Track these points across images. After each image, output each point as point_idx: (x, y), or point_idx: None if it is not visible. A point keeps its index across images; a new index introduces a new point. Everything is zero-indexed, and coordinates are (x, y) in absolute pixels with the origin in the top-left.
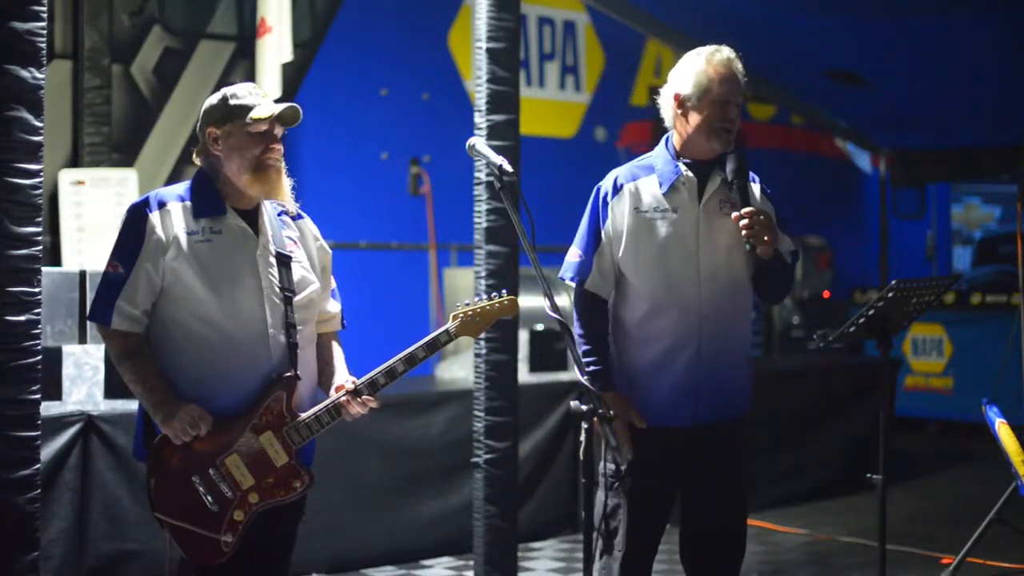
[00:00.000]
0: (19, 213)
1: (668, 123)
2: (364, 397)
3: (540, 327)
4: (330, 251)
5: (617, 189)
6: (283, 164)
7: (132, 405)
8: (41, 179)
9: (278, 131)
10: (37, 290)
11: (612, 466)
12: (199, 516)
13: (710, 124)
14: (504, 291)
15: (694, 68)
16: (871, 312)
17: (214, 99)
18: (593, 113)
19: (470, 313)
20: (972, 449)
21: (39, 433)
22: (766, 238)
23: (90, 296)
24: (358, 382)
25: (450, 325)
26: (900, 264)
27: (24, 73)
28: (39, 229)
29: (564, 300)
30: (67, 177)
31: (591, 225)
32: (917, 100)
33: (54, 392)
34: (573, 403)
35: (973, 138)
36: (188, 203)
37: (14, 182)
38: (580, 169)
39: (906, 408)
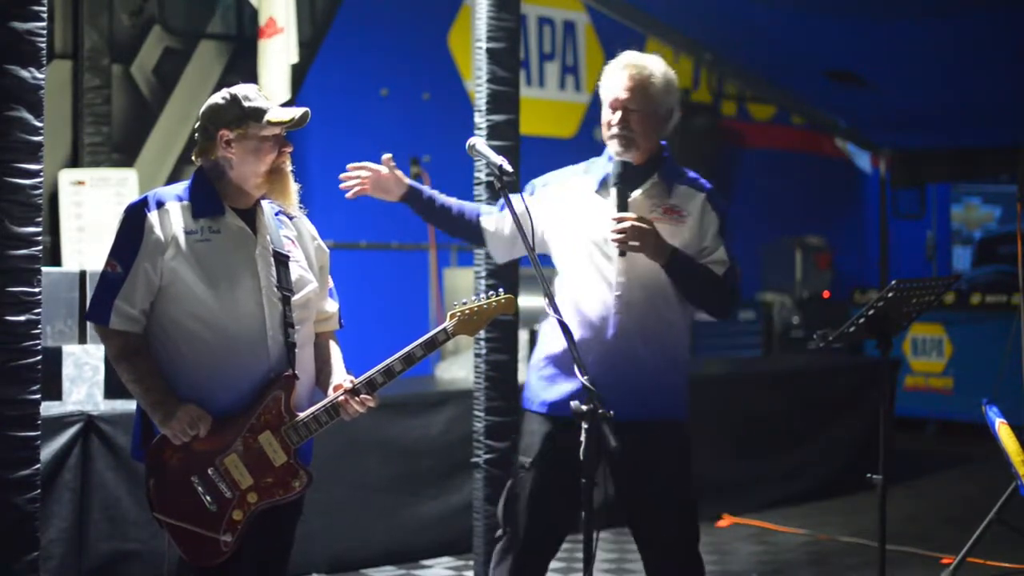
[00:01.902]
0: (19, 213)
1: None
2: (362, 396)
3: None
4: (328, 250)
5: (549, 185)
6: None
7: (132, 405)
8: (41, 179)
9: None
10: (37, 290)
11: (524, 458)
12: (198, 516)
13: (604, 130)
14: (501, 290)
15: (604, 75)
16: (871, 312)
17: (221, 100)
18: (593, 113)
19: (467, 312)
20: (972, 449)
21: (39, 433)
22: (631, 243)
23: (90, 296)
24: (356, 381)
25: (448, 324)
26: (900, 264)
27: (24, 73)
28: (39, 229)
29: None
30: (67, 177)
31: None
32: (917, 100)
33: (54, 392)
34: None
35: (973, 138)
36: (187, 203)
37: (14, 182)
38: None
39: (906, 408)
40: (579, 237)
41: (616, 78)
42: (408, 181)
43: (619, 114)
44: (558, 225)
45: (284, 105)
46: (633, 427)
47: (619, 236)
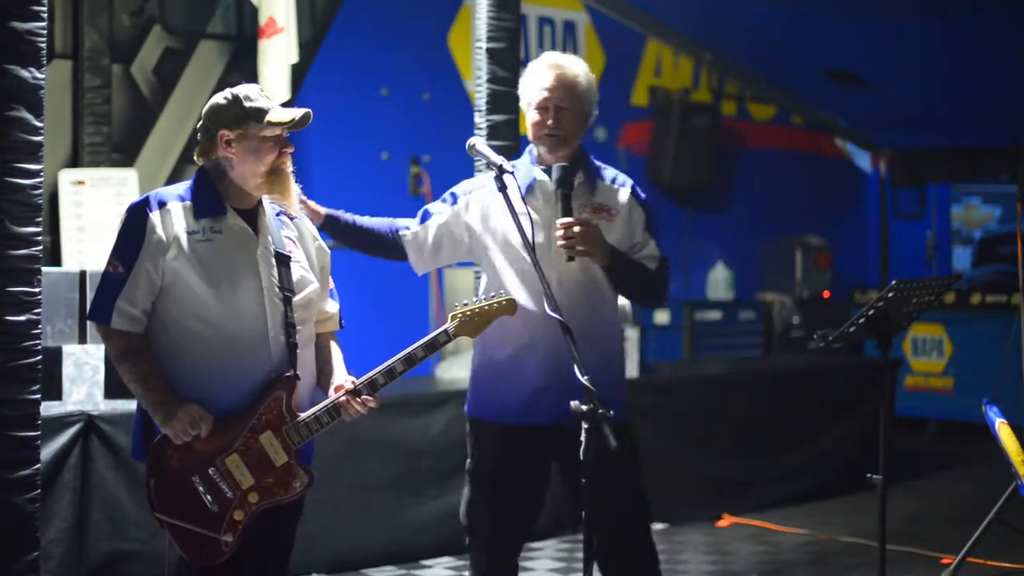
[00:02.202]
0: (19, 213)
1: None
2: (363, 397)
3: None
4: (329, 251)
5: (474, 192)
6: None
7: (132, 405)
8: (41, 179)
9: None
10: (37, 290)
11: (472, 463)
12: (199, 516)
13: (534, 130)
14: (502, 291)
15: (526, 76)
16: (871, 312)
17: (223, 100)
18: None
19: (468, 313)
20: (972, 449)
21: (39, 433)
22: (580, 248)
23: (90, 296)
24: (357, 382)
25: (449, 325)
26: (900, 264)
27: (24, 73)
28: (39, 229)
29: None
30: (67, 177)
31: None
32: (917, 100)
33: (54, 392)
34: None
35: (973, 138)
36: (189, 203)
37: (14, 182)
38: None
39: (906, 408)
40: (510, 244)
41: (544, 78)
42: (325, 211)
43: (551, 113)
44: (487, 233)
45: (284, 105)
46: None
47: (567, 242)
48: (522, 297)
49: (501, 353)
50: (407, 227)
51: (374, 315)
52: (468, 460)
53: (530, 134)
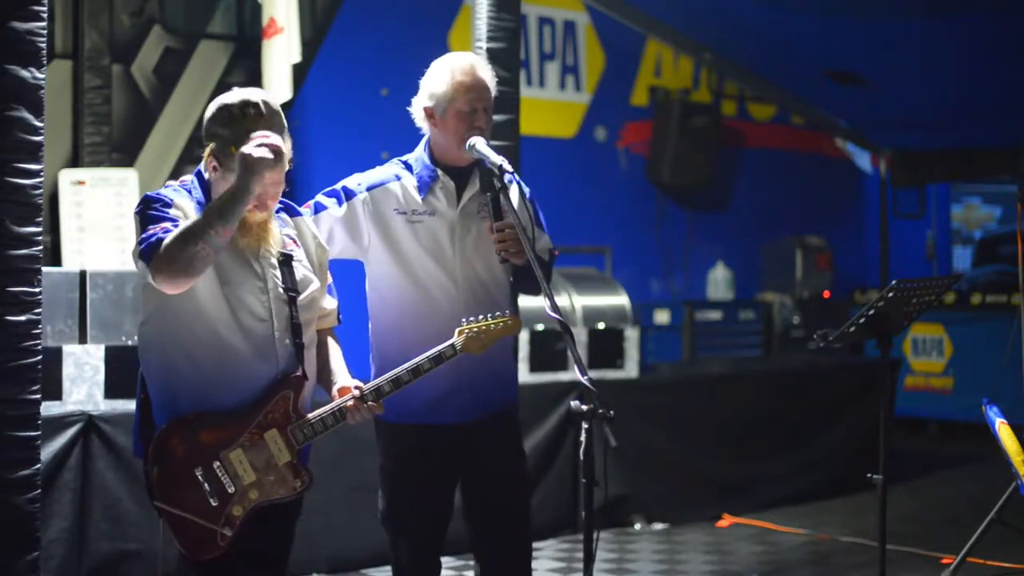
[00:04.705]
0: (19, 213)
1: (423, 131)
2: (370, 404)
3: (540, 327)
4: (328, 249)
5: (371, 188)
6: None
7: (132, 405)
8: (41, 179)
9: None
10: (37, 290)
11: (387, 465)
12: (199, 507)
13: (460, 135)
14: (508, 311)
15: (438, 79)
16: (871, 312)
17: (217, 109)
18: (593, 113)
19: (475, 330)
20: (972, 449)
21: (39, 433)
22: (516, 250)
23: (91, 296)
24: (365, 388)
25: (456, 340)
26: (900, 264)
27: (24, 73)
28: (39, 229)
29: (564, 300)
30: (67, 177)
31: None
32: (917, 100)
33: (54, 392)
34: (573, 403)
35: (973, 138)
36: (194, 202)
37: (14, 182)
38: (580, 169)
39: (906, 408)
40: (413, 243)
41: (482, 76)
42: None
43: (484, 115)
44: (384, 234)
45: (285, 106)
46: (493, 419)
47: (503, 244)
48: (430, 296)
49: (405, 355)
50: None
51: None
52: (381, 459)
53: (450, 137)
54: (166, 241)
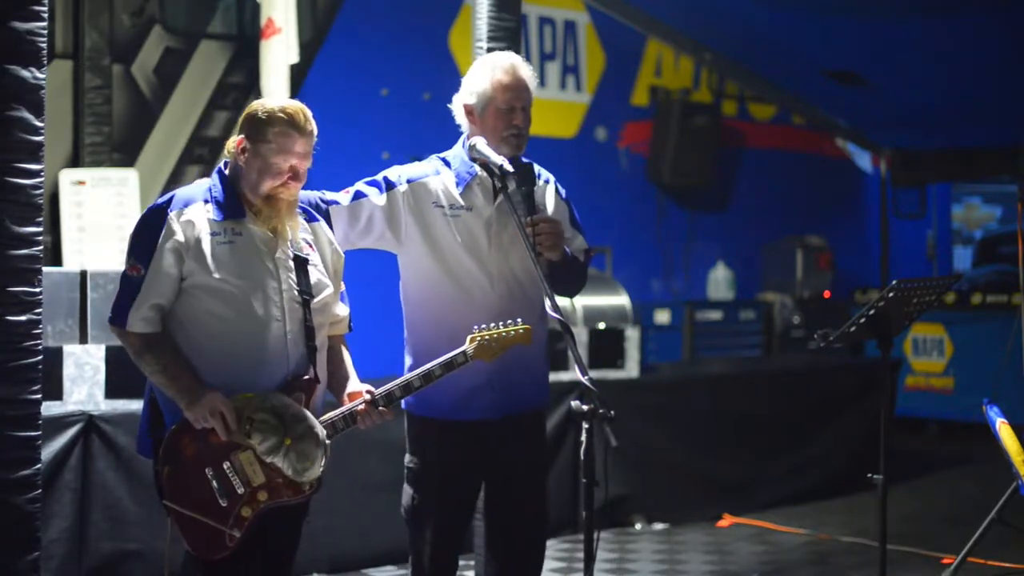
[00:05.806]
0: (19, 213)
1: (463, 128)
2: (381, 409)
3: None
4: (343, 255)
5: (411, 181)
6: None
7: (132, 405)
8: (42, 179)
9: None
10: (38, 290)
11: (414, 460)
12: (208, 507)
13: (498, 133)
14: (519, 320)
15: (479, 77)
16: (871, 312)
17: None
18: (594, 113)
19: (487, 337)
20: (972, 449)
21: (39, 433)
22: (551, 244)
23: (91, 296)
24: (376, 393)
25: (468, 347)
26: (900, 264)
27: (25, 73)
28: (39, 229)
29: (564, 300)
30: (68, 177)
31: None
32: (917, 100)
33: (54, 392)
34: (573, 403)
35: (973, 138)
36: (210, 204)
37: (14, 182)
38: (580, 169)
39: (906, 408)
40: (450, 237)
41: (523, 75)
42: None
43: (522, 113)
44: (423, 227)
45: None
46: (520, 419)
47: (541, 238)
48: (467, 292)
49: (439, 350)
50: (336, 201)
51: (380, 316)
52: (408, 456)
53: (489, 135)
54: (133, 345)
